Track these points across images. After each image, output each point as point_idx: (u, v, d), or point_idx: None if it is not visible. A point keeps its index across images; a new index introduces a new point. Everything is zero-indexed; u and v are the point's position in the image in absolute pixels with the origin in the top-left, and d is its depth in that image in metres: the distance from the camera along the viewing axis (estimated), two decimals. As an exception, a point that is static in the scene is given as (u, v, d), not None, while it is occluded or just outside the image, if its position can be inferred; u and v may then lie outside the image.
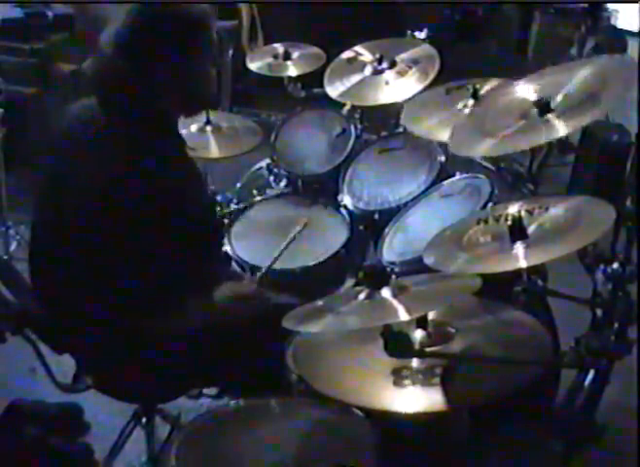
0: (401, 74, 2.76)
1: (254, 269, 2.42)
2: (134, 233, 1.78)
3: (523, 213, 1.66)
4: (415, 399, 1.63)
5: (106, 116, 1.89)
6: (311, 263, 2.44)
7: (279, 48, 3.10)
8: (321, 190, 2.77)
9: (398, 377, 1.66)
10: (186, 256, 1.85)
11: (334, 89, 2.84)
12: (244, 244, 2.55)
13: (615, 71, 1.75)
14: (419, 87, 2.66)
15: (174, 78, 1.87)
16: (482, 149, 1.84)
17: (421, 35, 2.93)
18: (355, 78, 2.84)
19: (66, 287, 1.92)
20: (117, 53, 1.83)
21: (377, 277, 1.65)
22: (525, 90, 1.89)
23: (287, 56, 3.05)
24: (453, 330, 1.77)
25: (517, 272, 1.78)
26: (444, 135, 2.30)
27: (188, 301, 1.89)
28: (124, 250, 1.80)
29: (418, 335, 1.72)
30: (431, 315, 1.73)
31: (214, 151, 2.76)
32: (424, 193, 2.49)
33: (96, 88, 1.91)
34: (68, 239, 1.89)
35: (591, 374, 1.65)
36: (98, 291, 1.85)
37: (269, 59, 3.10)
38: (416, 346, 1.67)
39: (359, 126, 2.85)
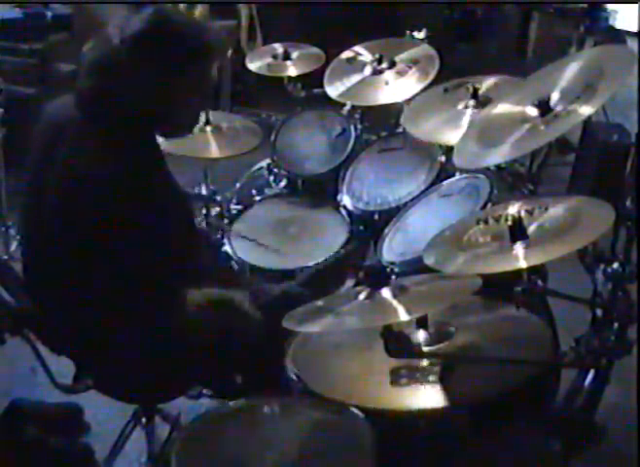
0: (401, 74, 2.76)
1: (253, 269, 2.42)
2: (112, 234, 1.77)
3: (523, 213, 1.66)
4: (414, 397, 1.63)
5: (82, 113, 1.86)
6: (311, 263, 2.44)
7: (279, 48, 3.10)
8: (321, 190, 2.77)
9: (396, 376, 1.66)
10: (167, 255, 1.84)
11: (334, 89, 2.84)
12: (244, 244, 2.55)
13: (610, 60, 1.75)
14: (419, 87, 2.66)
15: (162, 94, 1.84)
16: (490, 159, 1.85)
17: (420, 35, 2.93)
18: (355, 78, 2.85)
19: (58, 287, 1.92)
20: (122, 45, 1.80)
21: (377, 277, 1.65)
22: (522, 94, 1.89)
23: (287, 56, 3.05)
24: (453, 329, 1.78)
25: (517, 272, 1.78)
26: (444, 137, 2.33)
27: (179, 298, 1.88)
28: (104, 250, 1.78)
29: (418, 335, 1.73)
30: (431, 315, 1.73)
31: (214, 151, 2.76)
32: (424, 193, 2.50)
33: (93, 71, 1.84)
34: (53, 239, 1.89)
35: (591, 374, 1.65)
36: (86, 291, 1.85)
37: (269, 59, 3.10)
38: (416, 346, 1.68)
39: (359, 126, 2.85)
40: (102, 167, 1.77)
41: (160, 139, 2.01)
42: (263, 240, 2.54)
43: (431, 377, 1.65)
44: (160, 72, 1.81)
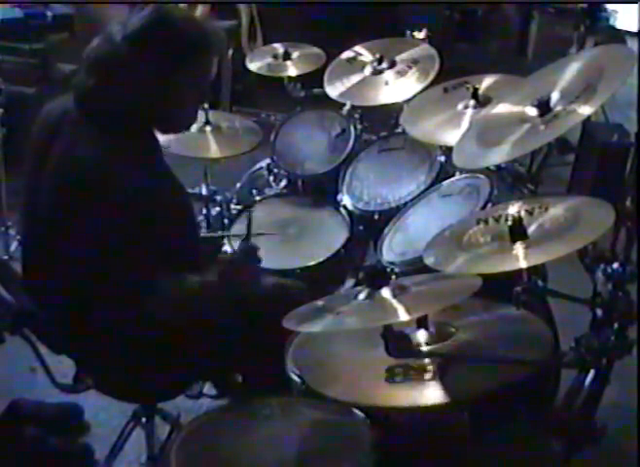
0: (401, 74, 2.77)
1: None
2: (110, 229, 1.77)
3: (523, 213, 1.66)
4: (413, 396, 1.63)
5: (80, 110, 1.87)
6: (311, 263, 2.44)
7: (279, 48, 3.11)
8: (321, 190, 2.77)
9: (394, 374, 1.66)
10: (167, 249, 1.84)
11: (334, 89, 2.84)
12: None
13: (610, 60, 1.75)
14: (419, 87, 2.66)
15: (161, 90, 1.85)
16: (490, 159, 1.85)
17: (421, 35, 2.93)
18: (355, 78, 2.85)
19: (58, 286, 1.92)
20: (123, 42, 1.81)
21: (377, 277, 1.65)
22: (522, 94, 1.89)
23: (287, 56, 3.05)
24: (453, 329, 1.78)
25: (517, 272, 1.78)
26: (444, 137, 2.33)
27: (177, 295, 1.88)
28: (102, 246, 1.78)
29: (418, 335, 1.73)
30: (431, 315, 1.73)
31: (214, 151, 2.76)
32: (424, 193, 2.49)
33: (95, 69, 1.85)
34: (51, 236, 1.88)
35: (591, 374, 1.65)
36: (86, 289, 1.85)
37: (269, 59, 3.10)
38: (417, 346, 1.68)
39: (359, 126, 2.85)
40: (99, 163, 1.78)
41: (160, 136, 2.02)
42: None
43: (427, 376, 1.65)
44: (159, 68, 1.82)
